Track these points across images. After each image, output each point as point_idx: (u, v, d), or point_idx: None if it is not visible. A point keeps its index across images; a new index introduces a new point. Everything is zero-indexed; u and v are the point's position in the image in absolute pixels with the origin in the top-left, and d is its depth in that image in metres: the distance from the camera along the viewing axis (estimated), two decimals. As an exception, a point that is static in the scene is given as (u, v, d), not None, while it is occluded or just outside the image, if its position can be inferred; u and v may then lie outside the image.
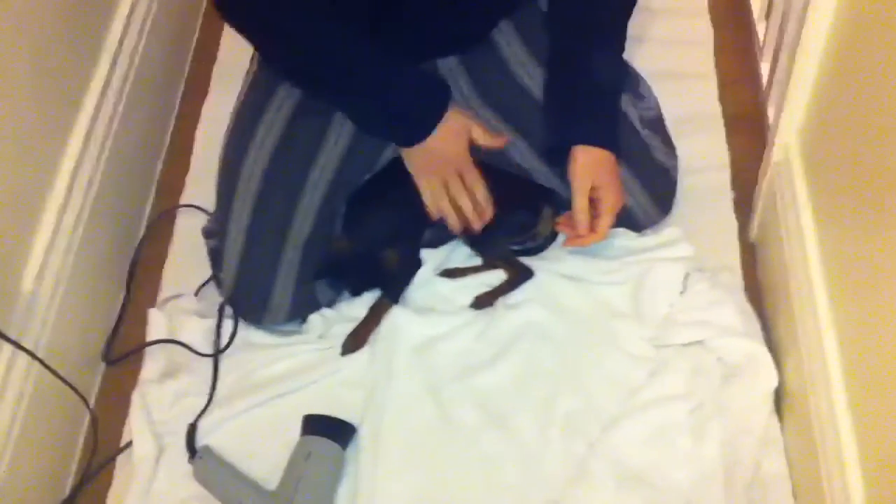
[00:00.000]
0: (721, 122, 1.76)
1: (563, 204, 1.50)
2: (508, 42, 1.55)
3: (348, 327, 1.51)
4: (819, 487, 1.22)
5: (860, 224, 1.20)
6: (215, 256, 1.54)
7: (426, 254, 1.57)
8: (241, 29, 1.42)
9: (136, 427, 1.44)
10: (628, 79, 1.60)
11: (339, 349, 1.49)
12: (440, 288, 1.55)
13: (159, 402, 1.46)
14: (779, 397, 1.40)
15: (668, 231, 1.56)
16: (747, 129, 1.74)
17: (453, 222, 1.45)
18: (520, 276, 1.53)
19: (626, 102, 1.55)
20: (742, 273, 1.56)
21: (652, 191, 1.53)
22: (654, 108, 1.61)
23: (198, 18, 2.05)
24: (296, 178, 1.48)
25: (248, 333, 1.51)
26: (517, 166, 1.53)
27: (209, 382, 1.47)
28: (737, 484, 1.32)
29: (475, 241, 1.54)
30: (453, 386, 1.45)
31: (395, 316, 1.50)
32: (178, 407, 1.46)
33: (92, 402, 1.51)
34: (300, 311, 1.51)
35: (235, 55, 1.85)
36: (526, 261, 1.54)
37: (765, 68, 1.73)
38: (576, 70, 1.49)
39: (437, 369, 1.46)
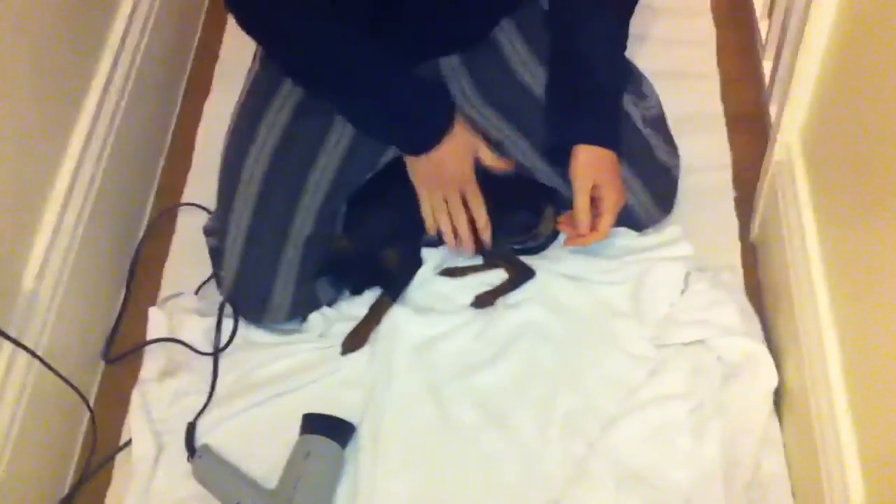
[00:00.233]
0: (723, 121, 1.75)
1: (564, 203, 1.49)
2: (510, 41, 1.55)
3: (348, 326, 1.51)
4: (819, 487, 1.21)
5: (862, 223, 1.19)
6: (216, 255, 1.54)
7: (427, 253, 1.57)
8: (247, 27, 1.42)
9: (136, 426, 1.44)
10: (630, 78, 1.60)
11: (339, 348, 1.49)
12: (440, 287, 1.55)
13: (159, 401, 1.46)
14: (779, 397, 1.40)
15: (669, 230, 1.55)
16: (749, 128, 1.73)
17: (448, 240, 1.47)
18: (521, 275, 1.53)
19: (627, 101, 1.55)
20: (743, 272, 1.56)
21: (653, 190, 1.53)
22: (656, 107, 1.61)
23: (200, 17, 2.05)
24: (297, 178, 1.48)
25: (248, 332, 1.51)
26: (519, 165, 1.52)
27: (209, 381, 1.47)
28: (736, 484, 1.32)
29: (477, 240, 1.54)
30: (453, 385, 1.45)
31: (395, 315, 1.50)
32: (177, 406, 1.46)
33: (91, 400, 1.51)
34: (300, 310, 1.51)
35: (237, 54, 1.86)
36: (526, 260, 1.54)
37: (767, 67, 1.73)
38: (577, 69, 1.49)
39: (436, 368, 1.46)
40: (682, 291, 1.49)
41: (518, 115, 1.54)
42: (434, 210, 1.45)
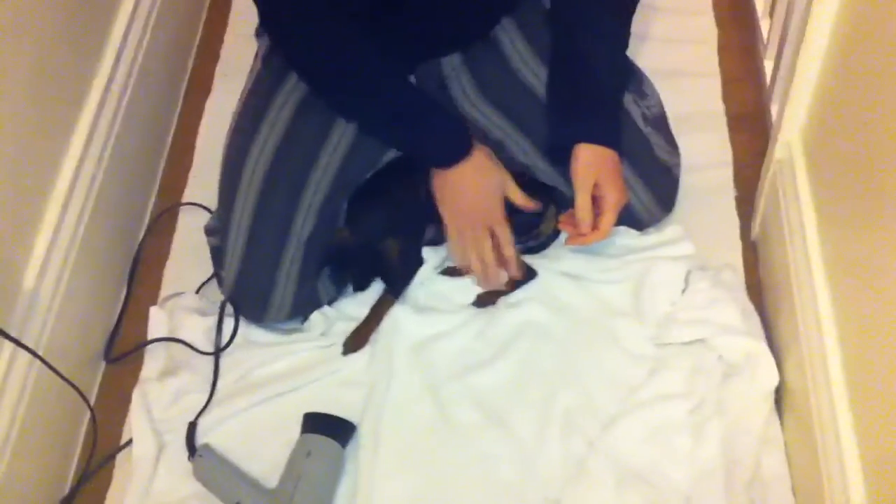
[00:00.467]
0: (724, 120, 1.75)
1: (565, 202, 1.49)
2: (511, 40, 1.55)
3: (349, 326, 1.51)
4: (819, 486, 1.21)
5: (862, 222, 1.19)
6: (217, 254, 1.54)
7: (428, 252, 1.57)
8: (284, 52, 1.46)
9: (137, 425, 1.44)
10: (631, 76, 1.60)
11: (339, 348, 1.49)
12: (441, 286, 1.55)
13: (159, 401, 1.46)
14: (780, 396, 1.40)
15: (670, 229, 1.55)
16: (750, 127, 1.73)
17: (478, 278, 1.49)
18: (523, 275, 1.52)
19: (628, 100, 1.54)
20: (744, 271, 1.56)
21: (654, 189, 1.53)
22: (657, 106, 1.61)
23: (201, 16, 2.05)
24: (298, 177, 1.48)
25: (248, 332, 1.52)
26: (520, 164, 1.52)
27: (210, 381, 1.47)
28: (737, 482, 1.32)
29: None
30: (453, 385, 1.45)
31: (396, 314, 1.50)
32: (178, 405, 1.46)
33: (92, 399, 1.51)
34: (301, 310, 1.51)
35: (238, 53, 1.86)
36: (526, 259, 1.53)
37: (768, 66, 1.72)
38: (578, 68, 1.49)
39: (436, 368, 1.46)
40: (683, 290, 1.49)
41: (519, 114, 1.54)
42: (463, 248, 1.47)
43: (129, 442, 1.44)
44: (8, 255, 1.36)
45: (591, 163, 1.43)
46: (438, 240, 1.58)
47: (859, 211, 1.20)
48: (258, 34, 1.63)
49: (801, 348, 1.31)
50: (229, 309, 1.51)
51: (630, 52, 1.55)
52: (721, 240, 1.59)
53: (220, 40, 1.99)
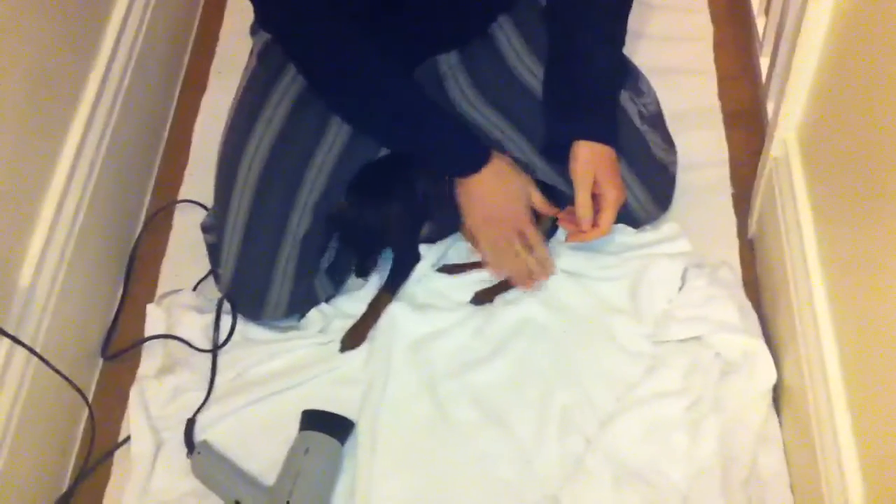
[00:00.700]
0: (720, 117, 1.76)
1: (563, 200, 1.49)
2: (508, 39, 1.55)
3: (347, 323, 1.51)
4: (817, 484, 1.22)
5: (859, 219, 1.19)
6: (213, 252, 1.54)
7: (425, 249, 1.57)
8: (293, 58, 1.45)
9: (135, 422, 1.44)
10: (628, 74, 1.60)
11: (337, 345, 1.49)
12: (438, 284, 1.55)
13: (157, 398, 1.46)
14: (777, 393, 1.40)
15: (667, 227, 1.56)
16: (746, 124, 1.74)
17: (518, 279, 1.49)
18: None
19: (625, 98, 1.54)
20: (740, 268, 1.56)
21: (651, 187, 1.53)
22: (654, 104, 1.61)
23: (196, 12, 2.05)
24: (294, 175, 1.48)
25: (246, 329, 1.52)
26: (518, 163, 1.52)
27: (207, 378, 1.47)
28: (734, 480, 1.32)
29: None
30: (450, 383, 1.45)
31: (394, 311, 1.50)
32: (176, 402, 1.46)
33: (90, 397, 1.51)
34: (298, 307, 1.51)
35: (234, 50, 1.86)
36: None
37: (764, 64, 1.73)
38: (575, 66, 1.49)
39: (434, 366, 1.46)
40: (680, 288, 1.49)
41: (516, 113, 1.54)
42: (498, 255, 1.47)
43: (127, 439, 1.44)
44: (4, 252, 1.36)
45: (590, 160, 1.43)
46: (435, 237, 1.58)
47: (856, 208, 1.20)
48: (253, 31, 1.62)
49: (798, 346, 1.31)
50: (226, 306, 1.51)
51: (626, 50, 1.55)
52: (718, 237, 1.59)
53: (216, 37, 1.99)
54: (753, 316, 1.46)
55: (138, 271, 1.66)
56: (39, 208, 1.45)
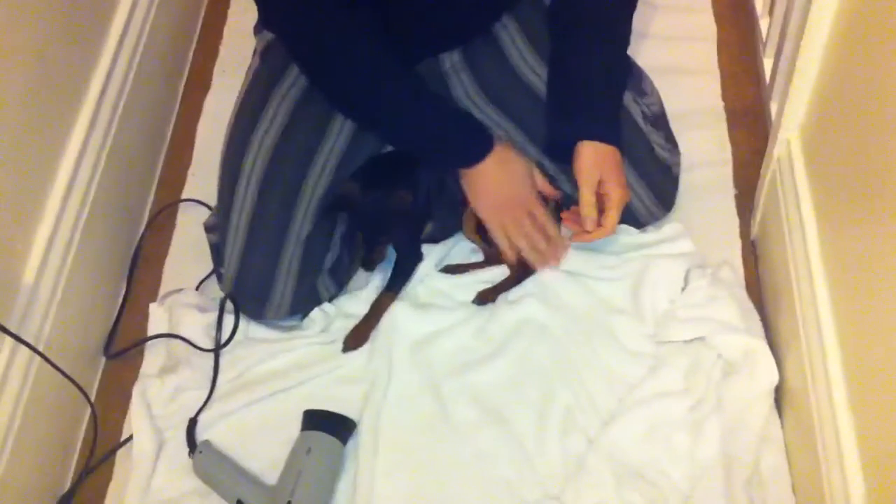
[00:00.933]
0: (723, 117, 1.75)
1: (567, 200, 1.49)
2: (511, 38, 1.55)
3: (349, 323, 1.51)
4: (819, 484, 1.21)
5: (862, 220, 1.19)
6: (216, 251, 1.54)
7: (427, 249, 1.57)
8: (295, 57, 1.46)
9: (137, 421, 1.44)
10: (631, 74, 1.60)
11: (339, 345, 1.49)
12: (441, 284, 1.55)
13: (159, 397, 1.46)
14: (779, 394, 1.40)
15: (670, 227, 1.55)
16: (749, 124, 1.74)
17: (534, 259, 1.48)
18: (522, 272, 1.52)
19: (628, 98, 1.54)
20: (743, 269, 1.56)
21: (654, 187, 1.53)
22: (657, 104, 1.61)
23: (200, 12, 2.05)
24: (297, 174, 1.48)
25: (248, 328, 1.52)
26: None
27: (210, 377, 1.48)
28: (736, 480, 1.32)
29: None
30: (452, 382, 1.45)
31: (396, 311, 1.50)
32: (178, 401, 1.46)
33: (92, 396, 1.51)
34: (301, 307, 1.51)
35: (237, 49, 1.86)
36: (527, 257, 1.54)
37: (767, 64, 1.73)
38: (579, 66, 1.49)
39: (435, 365, 1.46)
40: (682, 288, 1.49)
41: (519, 112, 1.54)
42: (510, 237, 1.46)
43: (130, 438, 1.44)
44: (8, 251, 1.36)
45: (595, 160, 1.43)
46: (438, 237, 1.58)
47: (859, 208, 1.20)
48: (257, 31, 1.63)
49: (800, 346, 1.31)
50: (229, 306, 1.51)
51: (629, 50, 1.55)
52: (720, 237, 1.59)
53: (219, 37, 1.99)
54: (755, 316, 1.46)
55: (141, 270, 1.66)
56: (43, 207, 1.45)
